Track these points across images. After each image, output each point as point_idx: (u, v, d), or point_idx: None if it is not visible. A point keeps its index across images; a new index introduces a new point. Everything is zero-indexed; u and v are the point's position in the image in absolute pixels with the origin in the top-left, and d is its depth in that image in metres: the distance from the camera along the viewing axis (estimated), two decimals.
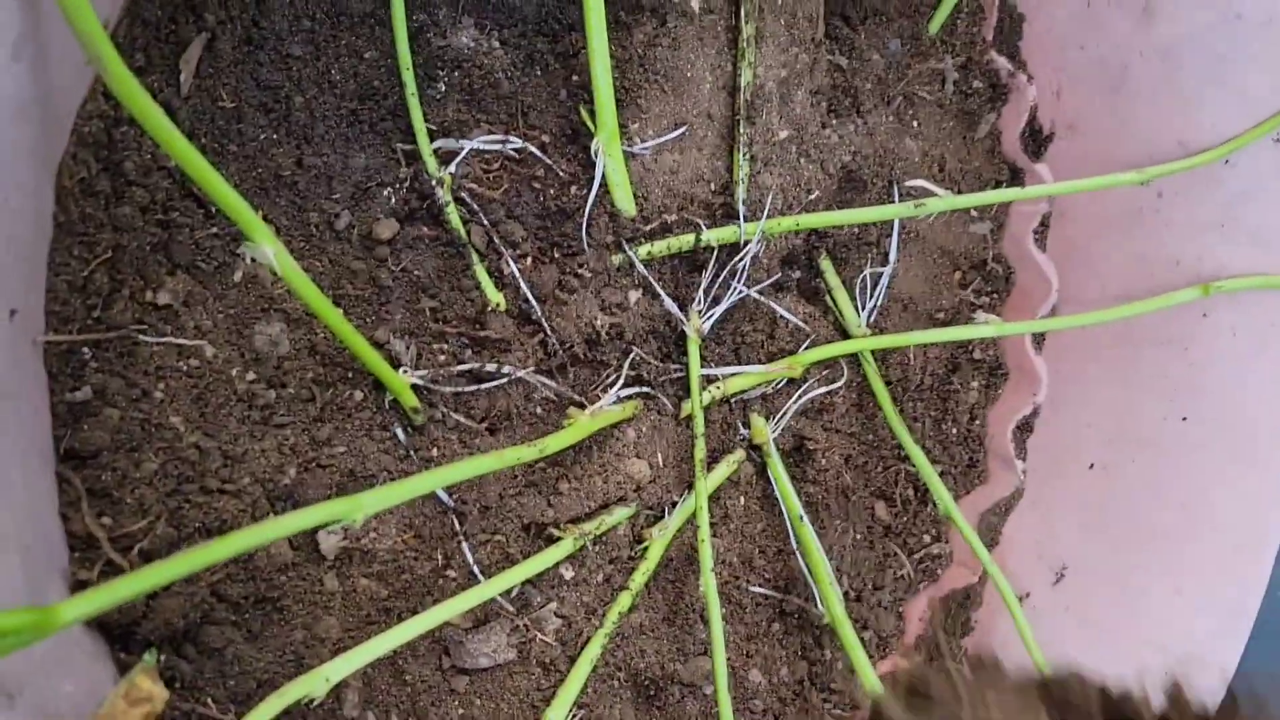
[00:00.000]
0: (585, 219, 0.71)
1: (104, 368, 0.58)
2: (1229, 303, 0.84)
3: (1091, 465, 0.90)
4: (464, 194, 0.70)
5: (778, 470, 0.82)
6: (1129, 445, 0.88)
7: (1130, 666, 0.83)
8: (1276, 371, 0.83)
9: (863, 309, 0.87)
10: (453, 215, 0.69)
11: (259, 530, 0.48)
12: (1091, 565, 0.87)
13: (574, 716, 0.75)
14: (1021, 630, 0.81)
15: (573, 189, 0.73)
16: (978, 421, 0.95)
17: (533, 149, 0.71)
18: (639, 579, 0.77)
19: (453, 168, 0.69)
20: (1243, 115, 0.81)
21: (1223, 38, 0.79)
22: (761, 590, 0.85)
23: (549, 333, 0.71)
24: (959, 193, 0.91)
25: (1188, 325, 0.86)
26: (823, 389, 0.85)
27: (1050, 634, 0.86)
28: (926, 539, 0.93)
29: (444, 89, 0.70)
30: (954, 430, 0.94)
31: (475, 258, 0.70)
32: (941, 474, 0.94)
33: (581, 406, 0.72)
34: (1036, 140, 0.91)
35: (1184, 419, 0.86)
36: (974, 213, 0.94)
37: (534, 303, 0.70)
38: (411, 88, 0.67)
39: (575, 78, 0.73)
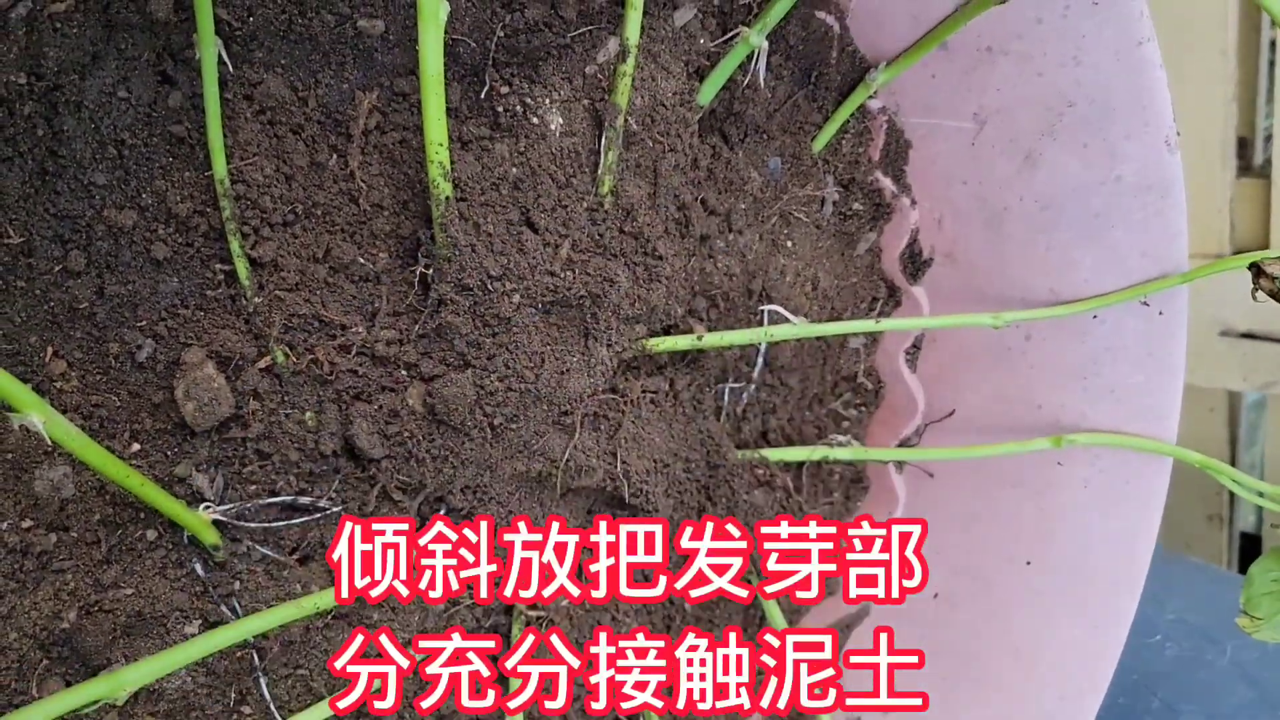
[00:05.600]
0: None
1: None
2: (1084, 456, 0.83)
3: (936, 594, 0.90)
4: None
5: None
6: (973, 580, 0.88)
7: None
8: (1121, 530, 0.83)
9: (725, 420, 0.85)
10: (276, 353, 0.66)
11: None
12: None
13: None
14: None
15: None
16: None
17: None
18: None
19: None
20: (1115, 275, 0.79)
21: (1100, 197, 0.77)
22: None
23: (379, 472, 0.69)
24: (834, 309, 0.90)
25: (1043, 471, 0.85)
26: None
27: None
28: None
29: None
30: None
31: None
32: None
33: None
34: (915, 263, 0.89)
35: (1028, 563, 0.86)
36: None
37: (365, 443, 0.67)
38: (229, 212, 0.63)
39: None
